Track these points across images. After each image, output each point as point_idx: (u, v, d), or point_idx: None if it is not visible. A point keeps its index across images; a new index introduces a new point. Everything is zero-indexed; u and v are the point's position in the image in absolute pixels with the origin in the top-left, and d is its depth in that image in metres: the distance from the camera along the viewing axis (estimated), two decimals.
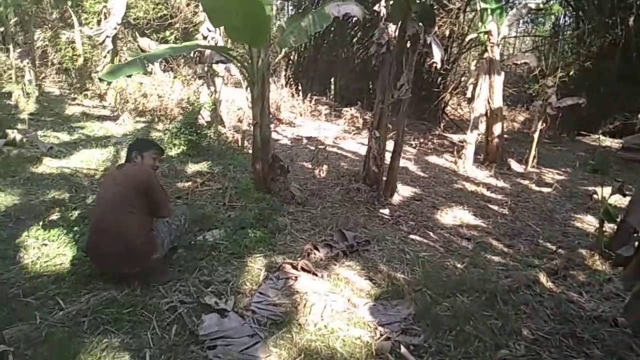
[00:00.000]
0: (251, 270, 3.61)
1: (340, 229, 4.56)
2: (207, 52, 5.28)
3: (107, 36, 11.88)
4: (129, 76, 4.25)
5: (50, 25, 14.64)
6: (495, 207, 6.24)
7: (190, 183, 5.76)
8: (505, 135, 9.06)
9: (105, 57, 12.46)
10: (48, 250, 3.56)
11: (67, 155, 6.45)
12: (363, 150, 8.18)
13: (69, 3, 12.40)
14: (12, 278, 3.11)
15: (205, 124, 9.47)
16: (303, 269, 3.61)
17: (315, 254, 3.98)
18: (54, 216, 4.18)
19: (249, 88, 5.12)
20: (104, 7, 12.42)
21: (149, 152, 3.41)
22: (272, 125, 11.09)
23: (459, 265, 4.18)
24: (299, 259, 3.84)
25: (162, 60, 15.19)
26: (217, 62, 5.05)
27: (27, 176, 5.22)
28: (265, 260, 3.82)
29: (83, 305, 2.88)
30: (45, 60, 14.86)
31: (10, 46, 9.77)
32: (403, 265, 4.03)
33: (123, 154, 6.72)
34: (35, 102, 9.73)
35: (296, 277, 3.51)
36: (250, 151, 5.78)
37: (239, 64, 4.98)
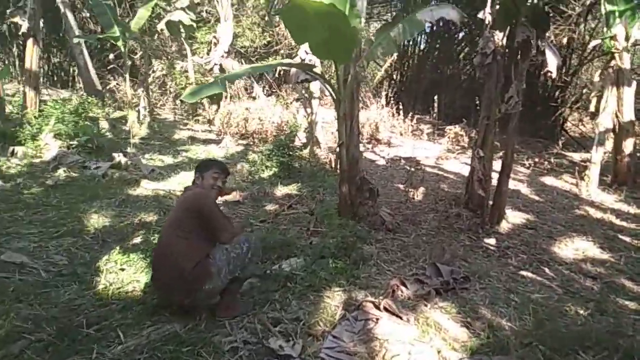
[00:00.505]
0: (327, 307, 3.20)
1: (434, 262, 3.99)
2: (293, 70, 5.07)
3: (215, 64, 12.48)
4: (213, 97, 4.15)
5: (168, 57, 15.88)
6: (627, 239, 5.19)
7: (277, 206, 5.56)
8: (638, 154, 7.71)
9: None
10: (124, 275, 3.49)
11: (166, 178, 6.65)
12: (467, 171, 7.48)
13: (183, 35, 13.30)
14: (82, 305, 3.05)
15: (302, 145, 9.40)
16: (386, 309, 3.12)
17: (402, 291, 3.47)
18: (137, 239, 4.18)
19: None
20: (214, 37, 13.14)
21: (209, 172, 3.21)
22: (369, 146, 10.83)
23: (581, 312, 3.40)
24: (382, 296, 3.36)
25: (264, 85, 15.73)
26: (301, 82, 4.81)
27: (123, 198, 5.39)
28: (344, 295, 3.40)
29: (143, 339, 2.68)
30: (164, 89, 16.15)
31: (127, 76, 10.59)
32: (510, 310, 3.36)
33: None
34: (147, 127, 10.42)
35: (377, 318, 3.03)
36: None
37: (323, 81, 4.70)
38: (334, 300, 3.33)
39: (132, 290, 3.29)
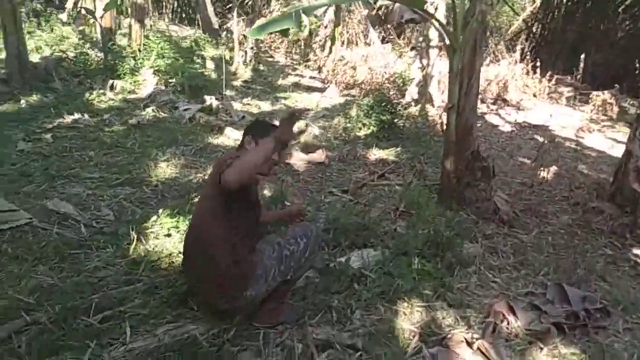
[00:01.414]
0: (399, 331, 2.37)
1: (559, 283, 2.91)
2: (396, 6, 4.01)
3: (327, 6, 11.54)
4: (282, 31, 3.32)
5: None
6: None
7: (366, 173, 4.72)
8: None
9: (326, 27, 12.30)
10: (168, 243, 2.96)
11: None
12: (615, 151, 5.94)
13: None
14: (104, 279, 2.56)
15: (412, 102, 8.30)
16: (481, 352, 2.21)
17: (509, 321, 2.51)
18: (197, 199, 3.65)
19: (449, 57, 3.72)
20: None
21: (266, 139, 2.44)
22: (494, 107, 9.31)
23: None
24: (479, 325, 2.44)
25: (381, 29, 14.43)
26: (406, 22, 3.76)
27: (201, 146, 4.92)
28: (426, 314, 2.53)
29: (152, 343, 2.11)
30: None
31: (235, 13, 10.14)
32: None
33: (310, 129, 6.08)
34: (252, 70, 9.97)
35: None
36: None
37: (437, 23, 3.62)
38: (410, 319, 2.48)
39: (167, 267, 2.73)
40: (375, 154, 5.32)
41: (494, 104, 9.30)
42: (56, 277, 2.50)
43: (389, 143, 5.70)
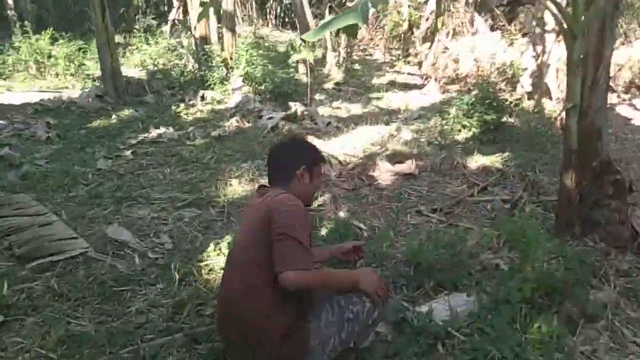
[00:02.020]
0: None
1: None
2: None
3: None
4: (348, 29, 2.76)
5: None
6: None
7: (465, 186, 4.01)
8: None
9: (427, 19, 11.45)
10: (219, 279, 2.61)
11: (342, 133, 5.62)
12: None
13: None
14: (143, 325, 2.26)
15: (524, 96, 7.27)
16: None
17: None
18: None
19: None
20: None
21: (320, 166, 1.96)
22: (626, 96, 7.82)
23: None
24: None
25: (489, 16, 13.13)
26: (508, 3, 3.03)
27: None
28: None
29: None
30: (378, 27, 14.98)
31: (326, 12, 9.77)
32: None
33: (403, 134, 5.47)
34: (345, 71, 9.53)
35: None
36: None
37: (549, 3, 2.83)
38: None
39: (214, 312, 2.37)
40: (477, 161, 4.56)
41: (626, 92, 7.83)
42: (92, 324, 2.24)
43: (494, 147, 4.88)
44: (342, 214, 3.39)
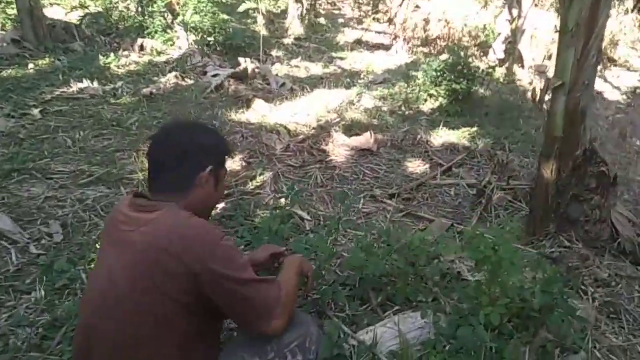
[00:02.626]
0: None
1: None
2: None
3: None
4: None
5: None
6: None
7: (427, 167, 3.53)
8: None
9: None
10: None
11: (297, 96, 4.99)
12: None
13: None
14: None
15: (496, 63, 6.79)
16: None
17: None
18: None
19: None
20: None
21: (224, 167, 1.40)
22: (598, 67, 7.46)
23: None
24: None
25: None
26: None
27: (216, 125, 3.92)
28: None
29: None
30: None
31: None
32: None
33: (364, 101, 4.90)
34: (308, 25, 8.76)
35: None
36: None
37: None
38: None
39: None
40: (442, 136, 4.07)
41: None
42: None
43: (462, 120, 4.40)
44: (282, 200, 2.84)
